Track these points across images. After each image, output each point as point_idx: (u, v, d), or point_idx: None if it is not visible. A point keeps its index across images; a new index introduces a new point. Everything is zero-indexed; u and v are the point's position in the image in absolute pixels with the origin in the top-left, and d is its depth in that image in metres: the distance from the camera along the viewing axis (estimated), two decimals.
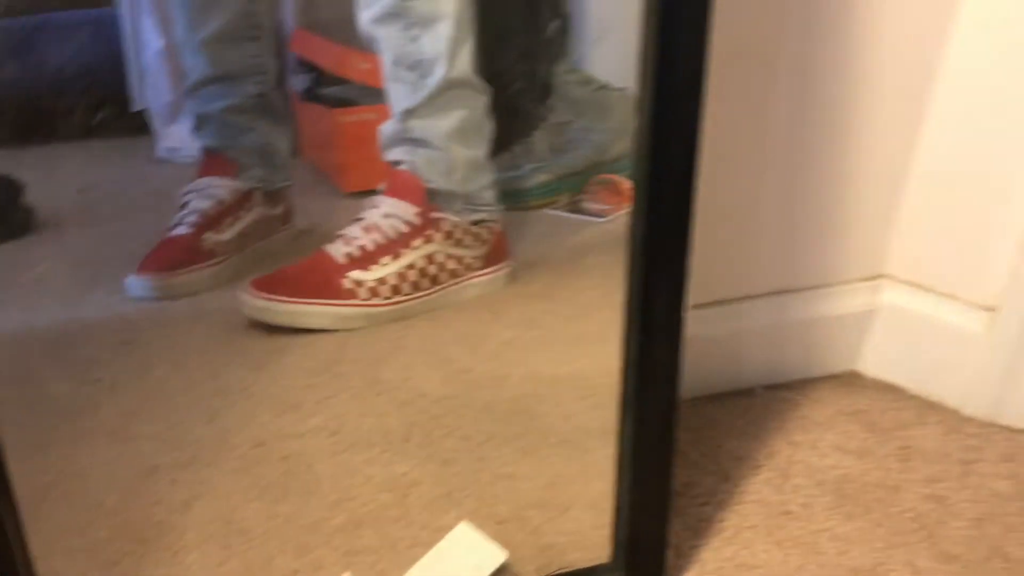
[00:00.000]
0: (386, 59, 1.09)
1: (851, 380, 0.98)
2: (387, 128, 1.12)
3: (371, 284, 1.05)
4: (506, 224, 1.36)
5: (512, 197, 1.39)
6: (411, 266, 1.08)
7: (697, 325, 0.92)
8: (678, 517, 0.78)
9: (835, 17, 0.82)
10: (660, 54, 0.58)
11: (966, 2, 0.84)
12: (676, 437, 0.69)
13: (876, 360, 0.98)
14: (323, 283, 1.05)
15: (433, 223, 1.09)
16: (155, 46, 1.35)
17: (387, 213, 1.10)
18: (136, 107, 1.40)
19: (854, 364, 0.99)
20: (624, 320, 0.67)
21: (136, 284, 1.08)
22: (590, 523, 0.74)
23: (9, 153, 1.28)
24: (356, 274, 1.05)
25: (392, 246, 1.07)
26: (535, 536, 0.75)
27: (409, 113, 1.09)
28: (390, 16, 1.08)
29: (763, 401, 0.93)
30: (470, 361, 0.98)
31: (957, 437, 0.89)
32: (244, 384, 0.92)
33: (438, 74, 1.09)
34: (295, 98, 1.44)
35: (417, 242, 1.08)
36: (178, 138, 1.37)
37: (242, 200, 1.18)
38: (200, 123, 1.21)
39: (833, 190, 0.90)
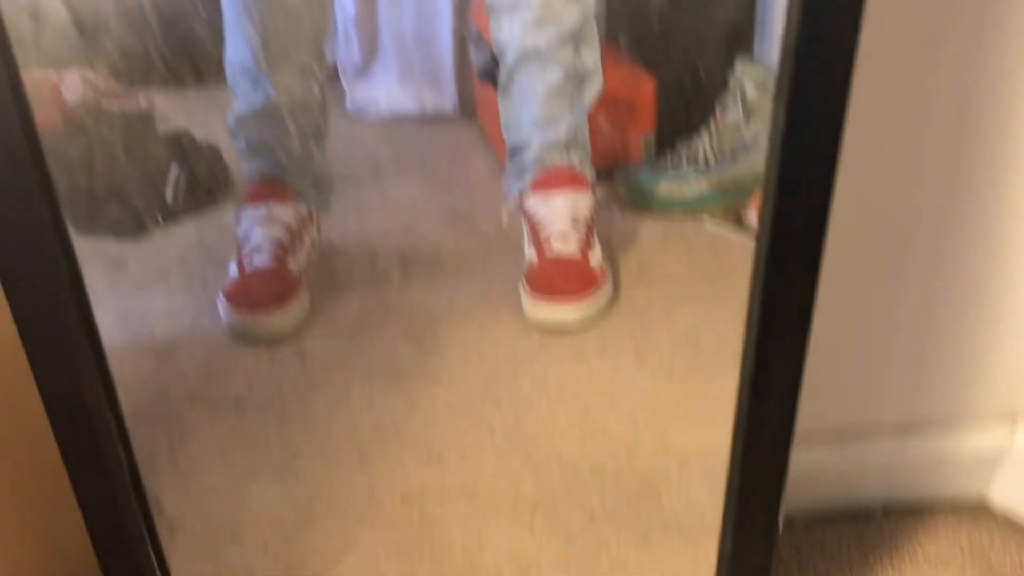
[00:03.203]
0: (551, 75, 1.17)
1: (977, 512, 0.96)
2: (551, 135, 1.20)
3: (601, 265, 1.18)
4: (659, 238, 1.35)
5: (669, 204, 1.37)
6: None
7: (818, 450, 0.94)
8: None
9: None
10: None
11: None
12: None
13: (1007, 495, 0.96)
14: (584, 274, 1.16)
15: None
16: (350, 12, 1.40)
17: (574, 201, 1.20)
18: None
19: (984, 494, 0.98)
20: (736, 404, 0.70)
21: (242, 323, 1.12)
22: None
23: (177, 95, 1.27)
24: (593, 258, 1.18)
25: (590, 230, 1.20)
26: None
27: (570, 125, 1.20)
28: (566, 36, 1.15)
29: (879, 528, 0.93)
30: (606, 417, 1.02)
31: None
32: (396, 422, 1.00)
33: (596, 84, 1.20)
34: (473, 72, 1.47)
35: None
36: (366, 95, 1.42)
37: (303, 223, 1.19)
38: (254, 150, 1.19)
39: (975, 321, 0.89)
